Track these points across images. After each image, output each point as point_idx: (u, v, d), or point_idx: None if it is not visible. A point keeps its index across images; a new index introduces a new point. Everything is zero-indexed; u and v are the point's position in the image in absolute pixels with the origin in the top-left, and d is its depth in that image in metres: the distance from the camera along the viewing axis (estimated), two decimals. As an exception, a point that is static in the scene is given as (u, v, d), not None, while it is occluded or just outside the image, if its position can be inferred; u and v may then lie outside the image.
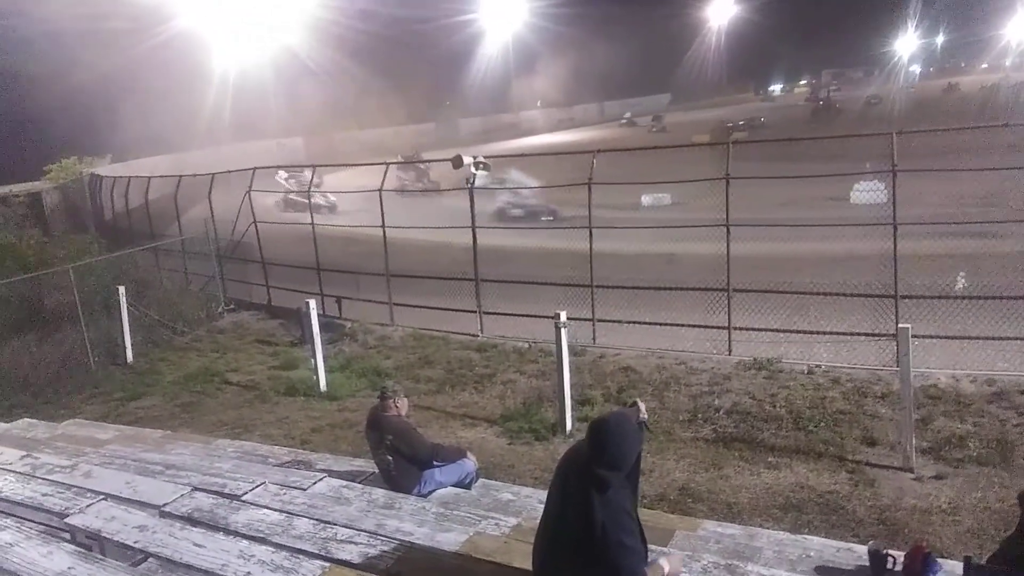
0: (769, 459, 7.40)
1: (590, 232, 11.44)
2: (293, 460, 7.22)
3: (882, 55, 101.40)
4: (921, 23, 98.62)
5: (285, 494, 5.61)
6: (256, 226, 15.74)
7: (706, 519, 6.08)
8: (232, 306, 15.97)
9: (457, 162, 12.08)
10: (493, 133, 65.20)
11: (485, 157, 12.81)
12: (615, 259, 13.50)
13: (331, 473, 6.41)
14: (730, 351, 10.35)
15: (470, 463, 6.33)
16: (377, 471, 6.32)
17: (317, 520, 5.00)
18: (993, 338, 9.13)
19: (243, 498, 5.48)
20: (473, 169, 12.22)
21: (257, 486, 5.71)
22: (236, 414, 9.86)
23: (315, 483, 5.91)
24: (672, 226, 15.81)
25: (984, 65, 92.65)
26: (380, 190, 13.28)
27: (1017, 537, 4.28)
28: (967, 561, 4.35)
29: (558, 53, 78.23)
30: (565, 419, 8.32)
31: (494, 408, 9.31)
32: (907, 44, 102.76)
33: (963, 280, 10.39)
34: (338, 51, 56.46)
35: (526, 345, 11.34)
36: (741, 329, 10.51)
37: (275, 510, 5.26)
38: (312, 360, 10.39)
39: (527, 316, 11.74)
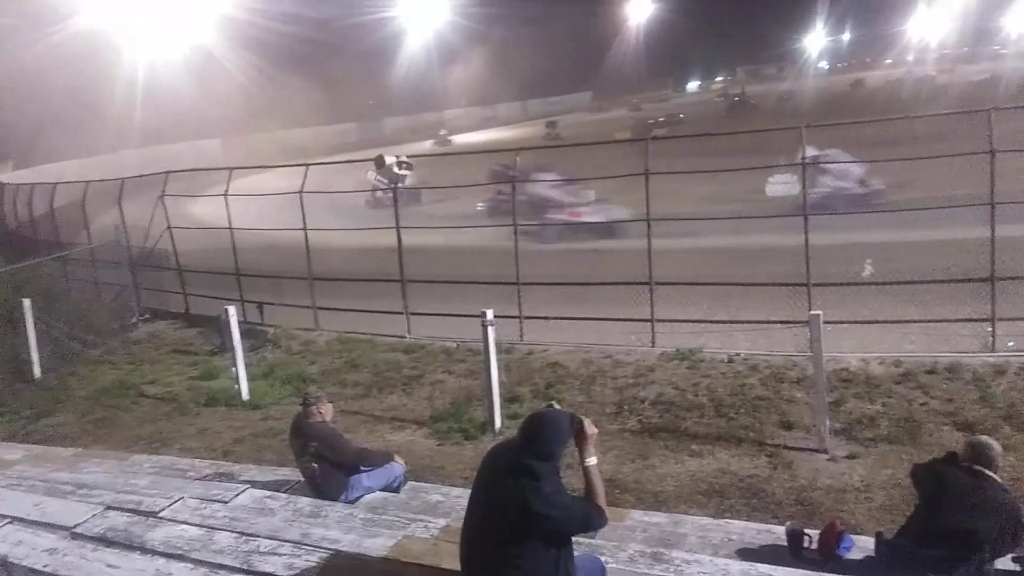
0: (693, 447, 7.59)
1: (515, 230, 11.49)
2: (214, 473, 7.02)
3: (793, 51, 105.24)
4: (828, 20, 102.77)
5: (205, 508, 5.44)
6: (171, 232, 15.21)
7: (633, 509, 6.21)
8: (147, 316, 15.40)
9: (379, 162, 11.95)
10: (418, 132, 64.71)
11: (408, 156, 12.70)
12: (543, 256, 13.63)
13: (255, 484, 6.25)
14: (654, 343, 10.54)
15: (398, 466, 6.28)
16: (303, 479, 6.20)
17: (239, 533, 4.87)
18: (900, 321, 9.59)
19: (160, 515, 5.29)
20: (397, 169, 12.10)
21: (175, 501, 5.52)
22: (153, 428, 9.51)
23: (237, 495, 5.75)
24: (597, 222, 16.10)
25: (888, 60, 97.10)
26: (301, 192, 13.00)
27: (919, 512, 4.50)
28: (878, 536, 4.57)
29: (481, 52, 78.39)
30: (494, 417, 8.34)
31: (423, 409, 9.25)
32: (816, 41, 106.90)
33: (870, 267, 10.86)
34: (255, 52, 55.07)
35: (454, 345, 11.31)
36: (664, 321, 10.72)
37: (195, 525, 5.10)
38: (233, 369, 10.11)
39: (455, 316, 11.70)
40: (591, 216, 17.58)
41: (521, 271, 11.42)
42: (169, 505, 5.45)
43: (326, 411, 6.11)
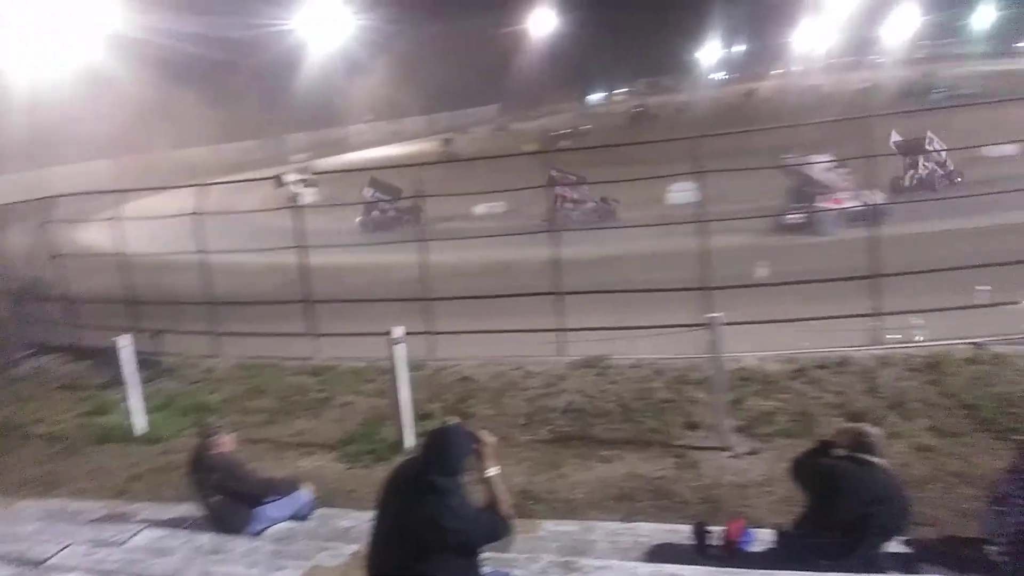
0: (602, 453, 7.69)
1: (423, 245, 11.43)
2: (108, 514, 6.66)
3: (689, 63, 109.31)
4: (722, 33, 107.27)
5: (97, 553, 5.17)
6: (56, 260, 14.38)
7: (546, 519, 6.25)
8: (33, 351, 14.47)
9: (279, 182, 11.66)
10: (321, 148, 63.61)
11: (312, 173, 12.45)
12: (454, 269, 13.60)
13: (152, 523, 5.99)
14: (563, 352, 10.66)
15: (305, 493, 6.12)
16: (204, 514, 5.95)
17: (134, 576, 4.64)
18: (793, 319, 10.04)
19: (47, 563, 4.98)
20: (296, 188, 11.84)
21: (64, 548, 5.22)
22: (41, 470, 8.91)
23: (133, 536, 5.49)
24: (504, 234, 16.18)
25: (777, 71, 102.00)
26: (195, 213, 12.55)
27: (812, 503, 4.70)
28: (777, 529, 4.75)
29: (386, 66, 77.73)
30: (405, 436, 8.22)
31: (332, 433, 9.03)
32: (711, 53, 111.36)
33: (764, 269, 11.32)
34: (149, 69, 53.03)
35: (363, 364, 11.12)
36: (572, 330, 10.87)
37: (86, 571, 4.83)
38: (127, 402, 9.61)
39: (364, 335, 11.52)
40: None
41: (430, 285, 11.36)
42: (57, 552, 5.14)
43: (227, 441, 5.89)
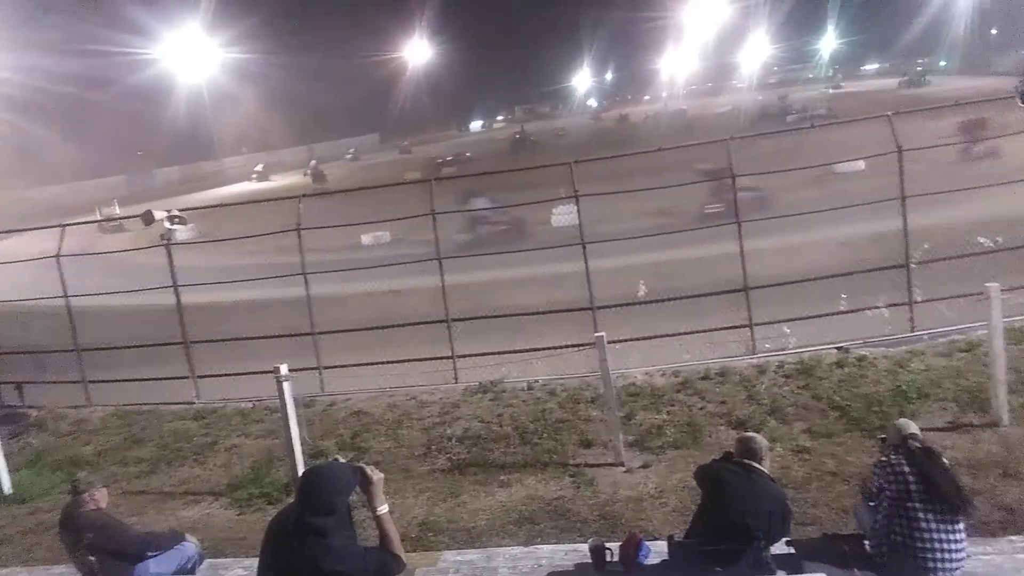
0: (501, 477, 7.72)
1: (305, 278, 11.17)
2: (-30, 585, 6.09)
3: (564, 91, 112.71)
4: (592, 61, 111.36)
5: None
6: None
7: (447, 550, 6.20)
8: None
9: (147, 218, 11.06)
10: (194, 183, 61.14)
11: (181, 210, 11.90)
12: (340, 302, 13.33)
13: (21, 591, 5.50)
14: (456, 379, 10.66)
15: (190, 545, 5.79)
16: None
17: (1, 652, 4.25)
18: (675, 334, 10.48)
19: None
20: (168, 224, 11.28)
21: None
22: None
23: (0, 607, 5.02)
24: (390, 264, 16.02)
25: (647, 96, 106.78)
26: (58, 256, 11.76)
27: (701, 510, 4.89)
28: (669, 539, 4.89)
29: (259, 97, 75.82)
30: (298, 476, 7.94)
31: (219, 479, 8.63)
32: (583, 80, 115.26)
33: (644, 287, 11.75)
34: (1, 107, 49.62)
35: (250, 405, 10.70)
36: (465, 356, 10.89)
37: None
38: (-11, 461, 8.84)
39: (248, 374, 11.11)
40: None
41: (316, 319, 11.10)
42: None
43: (100, 496, 5.51)
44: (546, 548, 5.77)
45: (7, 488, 8.82)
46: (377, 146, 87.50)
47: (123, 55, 59.10)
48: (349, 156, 73.87)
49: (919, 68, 76.63)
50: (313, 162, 59.14)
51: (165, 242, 11.41)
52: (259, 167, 62.76)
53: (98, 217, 30.52)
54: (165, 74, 66.31)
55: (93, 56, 54.67)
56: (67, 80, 53.07)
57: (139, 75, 62.14)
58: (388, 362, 11.02)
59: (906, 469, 4.56)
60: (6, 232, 16.06)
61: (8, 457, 9.10)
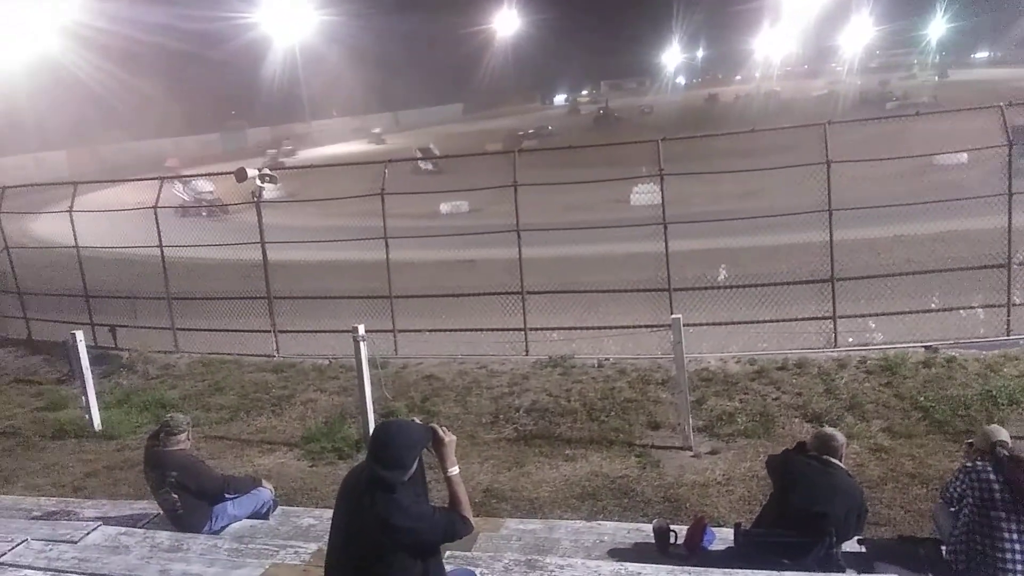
0: (567, 451, 7.74)
1: (386, 243, 11.36)
2: (62, 511, 6.49)
3: (652, 67, 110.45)
4: (683, 38, 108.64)
5: (52, 550, 5.04)
6: (8, 252, 13.97)
7: (509, 518, 6.26)
8: (-16, 344, 14.06)
9: (241, 175, 11.44)
10: (285, 143, 62.83)
11: (271, 169, 12.27)
12: (416, 268, 13.53)
13: (108, 520, 5.85)
14: (527, 351, 10.70)
15: (266, 491, 6.04)
16: (162, 512, 5.85)
17: (90, 575, 4.53)
18: (753, 322, 10.22)
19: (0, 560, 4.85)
20: (259, 182, 11.65)
21: (17, 545, 5.09)
22: (-7, 466, 8.68)
23: (88, 533, 5.35)
24: (468, 233, 16.16)
25: (738, 76, 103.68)
26: (155, 207, 12.30)
27: (772, 500, 4.79)
28: (736, 527, 4.82)
29: (351, 62, 77.10)
30: (369, 433, 8.16)
31: (294, 430, 8.95)
32: (673, 57, 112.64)
33: (724, 271, 11.50)
34: (107, 59, 51.84)
35: (326, 362, 11.02)
36: (537, 329, 10.92)
37: (39, 570, 4.72)
38: (83, 397, 9.39)
39: (326, 332, 11.43)
40: None
41: (393, 283, 11.31)
42: (10, 549, 5.00)
43: (184, 437, 5.78)
44: (609, 525, 5.77)
45: (97, 424, 9.37)
46: (460, 116, 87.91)
47: (224, 17, 60.99)
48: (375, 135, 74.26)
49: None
50: (377, 130, 60.21)
51: (256, 199, 11.78)
52: (376, 129, 64.40)
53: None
54: (263, 36, 68.11)
55: (196, 15, 56.62)
56: (170, 36, 55.08)
57: (239, 37, 64.05)
58: (461, 330, 11.15)
59: (992, 476, 4.36)
60: (109, 181, 16.90)
61: (99, 395, 9.64)
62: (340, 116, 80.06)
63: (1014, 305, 9.59)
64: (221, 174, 13.98)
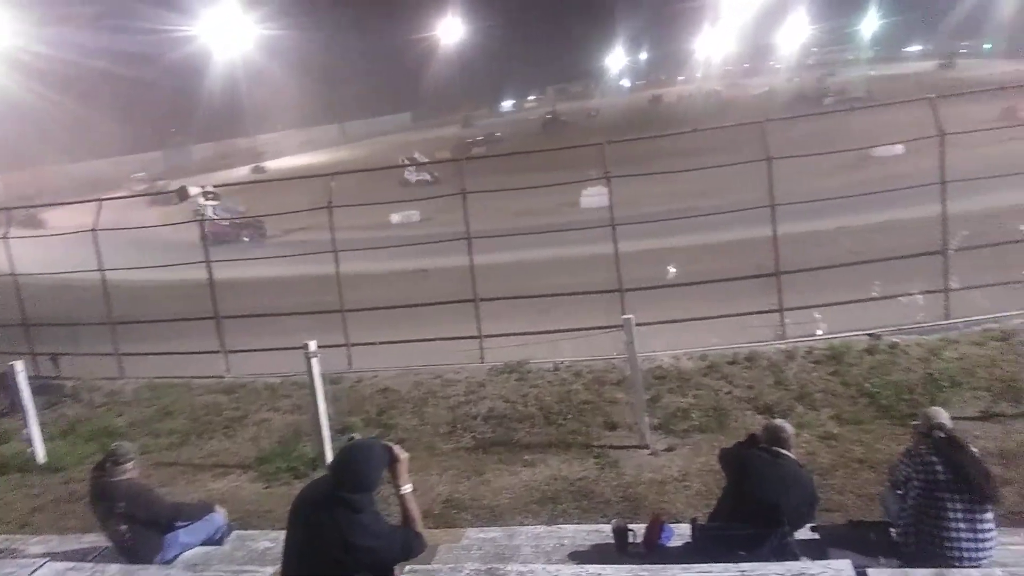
0: (525, 457, 7.73)
1: (335, 256, 11.25)
2: (7, 548, 6.26)
3: (597, 70, 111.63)
4: (626, 41, 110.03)
5: (-5, 591, 4.84)
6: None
7: (470, 527, 6.24)
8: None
9: (183, 194, 11.23)
10: (229, 159, 61.81)
11: (215, 186, 12.05)
12: (368, 280, 13.42)
13: (55, 556, 5.65)
14: (483, 359, 10.68)
15: (219, 516, 5.90)
16: (111, 545, 5.67)
17: (36, 614, 4.37)
18: (703, 318, 10.39)
19: (-62, 606, 4.65)
20: (202, 200, 11.44)
21: (-43, 588, 4.88)
22: (-68, 505, 8.32)
23: (35, 571, 5.14)
24: (420, 242, 16.11)
25: (681, 77, 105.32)
26: (94, 229, 11.97)
27: (726, 494, 4.86)
28: (693, 523, 4.87)
29: (295, 75, 76.17)
30: (324, 451, 8.05)
31: (248, 452, 8.76)
32: (617, 60, 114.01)
33: (674, 270, 11.66)
34: (41, 81, 50.38)
35: (278, 380, 10.84)
36: (491, 336, 10.91)
37: (-19, 612, 4.52)
38: (26, 430, 9.06)
39: (278, 349, 11.25)
40: None
41: (345, 296, 11.19)
42: (-50, 593, 4.80)
43: (132, 466, 5.62)
44: (569, 528, 5.78)
45: (41, 457, 9.03)
46: (409, 125, 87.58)
47: (162, 32, 59.79)
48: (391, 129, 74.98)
49: (962, 51, 74.55)
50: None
51: (199, 218, 11.56)
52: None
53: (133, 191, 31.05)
54: (203, 51, 66.90)
55: (133, 32, 55.45)
56: (107, 56, 53.85)
57: (177, 52, 62.82)
58: (415, 340, 11.08)
59: (935, 458, 4.48)
60: (45, 206, 16.39)
61: (43, 427, 9.31)
62: (285, 129, 78.99)
63: (951, 290, 9.91)
64: (160, 193, 13.69)
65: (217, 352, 11.62)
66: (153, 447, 9.04)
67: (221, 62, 69.18)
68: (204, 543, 5.75)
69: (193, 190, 11.38)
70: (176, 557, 5.54)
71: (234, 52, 69.48)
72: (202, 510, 5.89)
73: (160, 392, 10.99)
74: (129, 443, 5.96)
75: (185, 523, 5.68)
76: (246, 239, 20.58)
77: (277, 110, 77.56)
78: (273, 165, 56.71)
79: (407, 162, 32.38)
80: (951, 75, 59.96)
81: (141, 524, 5.47)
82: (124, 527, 5.45)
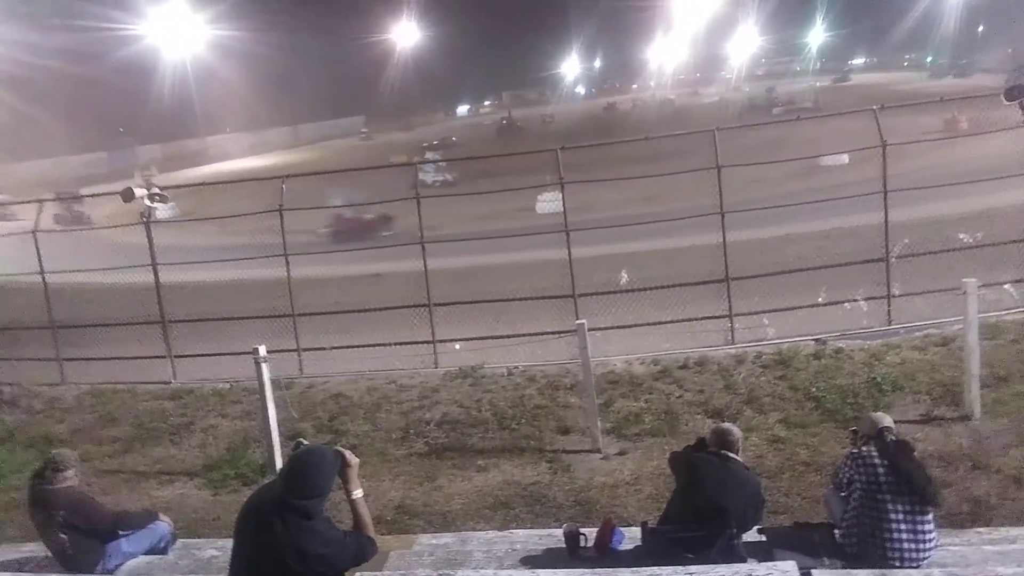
0: (479, 462, 7.73)
1: (286, 260, 11.09)
2: (-60, 562, 6.01)
3: (552, 77, 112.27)
4: (581, 49, 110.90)
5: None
6: None
7: (422, 533, 6.20)
8: None
9: (127, 195, 10.88)
10: (177, 161, 60.47)
11: (162, 188, 11.74)
12: (321, 284, 13.23)
13: (-6, 566, 5.46)
14: (437, 364, 10.64)
15: (164, 525, 5.76)
16: (51, 554, 5.49)
17: (-32, 629, 4.21)
18: (656, 323, 10.52)
19: None
20: (148, 202, 11.12)
21: None
22: None
23: (-30, 583, 4.98)
24: (374, 247, 15.99)
25: (635, 85, 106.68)
26: (34, 231, 11.59)
27: (676, 496, 4.92)
28: (643, 526, 4.92)
29: (246, 76, 74.80)
30: (274, 458, 7.91)
31: (195, 459, 8.58)
32: (572, 68, 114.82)
33: (626, 275, 11.77)
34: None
35: (227, 386, 10.63)
36: (445, 341, 10.88)
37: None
38: (-39, 438, 8.74)
39: (226, 354, 11.03)
40: None
41: (296, 301, 11.04)
42: None
43: (72, 474, 5.44)
44: (521, 533, 5.79)
45: (-21, 465, 8.72)
46: (363, 129, 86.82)
47: (108, 30, 58.18)
48: (362, 133, 73.92)
49: (905, 64, 77.00)
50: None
51: (145, 220, 11.27)
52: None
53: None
54: (150, 50, 65.27)
55: (79, 31, 53.84)
56: (52, 54, 52.21)
57: (124, 51, 61.17)
58: (368, 345, 11.00)
59: (877, 461, 4.60)
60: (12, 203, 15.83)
61: (-20, 434, 9.00)
62: (235, 132, 77.47)
63: (893, 296, 10.22)
64: (106, 194, 13.30)
65: (163, 357, 11.34)
66: (95, 454, 8.78)
67: (170, 62, 67.59)
68: (148, 552, 5.61)
69: (139, 191, 11.04)
70: (119, 567, 5.40)
71: (183, 52, 67.96)
72: (146, 518, 5.74)
73: (103, 398, 10.68)
74: (70, 450, 5.82)
75: (128, 532, 5.53)
76: (385, 232, 20.39)
77: (227, 112, 76.12)
78: (223, 168, 55.62)
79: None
80: (896, 87, 61.82)
81: (82, 533, 5.31)
82: (64, 536, 5.29)
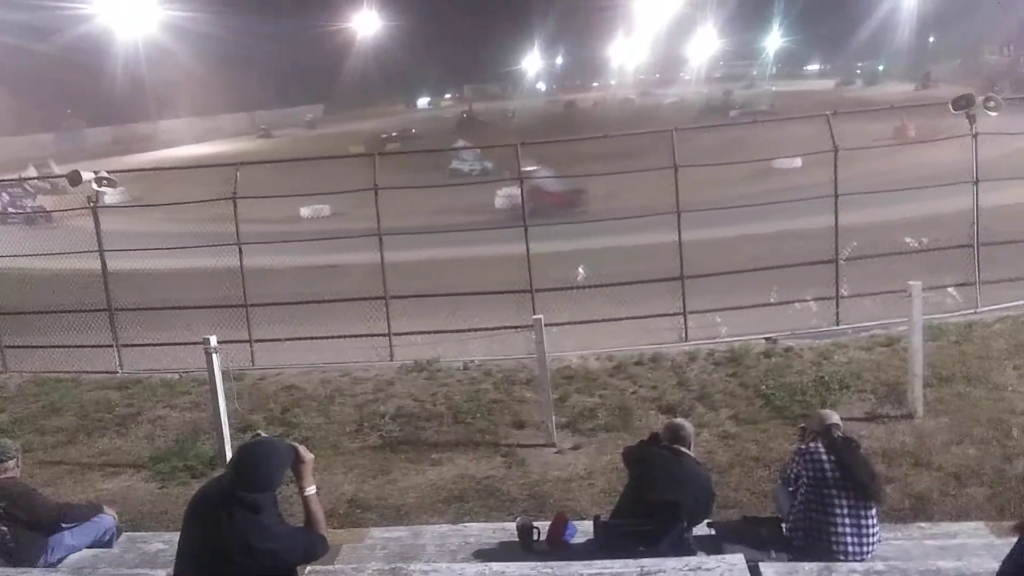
0: (433, 456, 7.70)
1: (239, 248, 10.90)
2: None
3: (514, 73, 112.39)
4: (543, 45, 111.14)
5: None
6: None
7: (374, 527, 6.17)
8: None
9: (75, 179, 10.59)
10: (127, 145, 58.90)
11: (110, 172, 11.43)
12: (275, 274, 13.04)
13: (-74, 562, 5.25)
14: (392, 357, 10.58)
15: (108, 517, 5.62)
16: (-10, 547, 5.32)
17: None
18: (611, 319, 10.63)
19: None
20: (96, 186, 10.83)
21: None
22: None
23: (-99, 578, 4.79)
24: (329, 237, 15.78)
25: (595, 84, 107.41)
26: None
27: (629, 490, 4.98)
28: (596, 519, 4.97)
29: (201, 59, 73.12)
30: (224, 450, 7.79)
31: (141, 451, 8.37)
32: (533, 64, 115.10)
33: (583, 272, 11.86)
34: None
35: (176, 376, 10.41)
36: (401, 334, 10.82)
37: None
38: None
39: (175, 344, 10.83)
40: None
41: (249, 291, 10.87)
42: None
43: (12, 465, 5.29)
44: (474, 526, 5.80)
45: (-88, 456, 8.39)
46: (322, 117, 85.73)
47: (59, 9, 56.36)
48: (308, 119, 73.07)
49: (858, 71, 78.89)
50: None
51: (92, 205, 10.97)
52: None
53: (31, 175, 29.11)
54: (102, 30, 63.38)
55: (27, 8, 52.00)
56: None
57: (75, 30, 59.33)
58: (321, 337, 10.88)
59: (824, 457, 4.71)
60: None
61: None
62: (188, 116, 75.69)
63: (842, 297, 10.49)
64: (53, 177, 12.91)
65: (110, 346, 11.06)
66: (38, 445, 8.52)
67: (123, 42, 65.79)
68: (92, 545, 5.47)
69: (86, 175, 10.74)
70: (61, 560, 5.25)
71: (136, 33, 66.17)
72: (90, 511, 5.60)
73: (46, 387, 10.36)
74: (11, 440, 5.64)
75: (71, 524, 5.39)
76: (579, 209, 18.51)
77: (181, 96, 74.39)
78: (175, 153, 54.37)
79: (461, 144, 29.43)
80: (848, 94, 63.32)
81: (23, 525, 5.15)
82: (5, 528, 5.12)
